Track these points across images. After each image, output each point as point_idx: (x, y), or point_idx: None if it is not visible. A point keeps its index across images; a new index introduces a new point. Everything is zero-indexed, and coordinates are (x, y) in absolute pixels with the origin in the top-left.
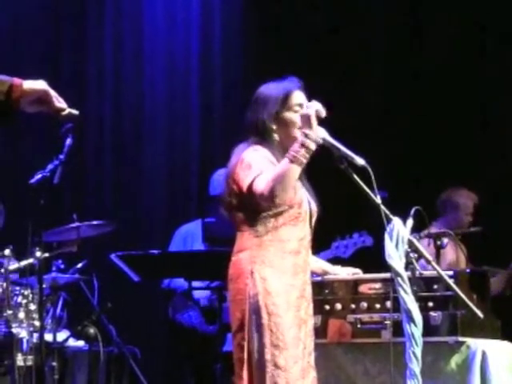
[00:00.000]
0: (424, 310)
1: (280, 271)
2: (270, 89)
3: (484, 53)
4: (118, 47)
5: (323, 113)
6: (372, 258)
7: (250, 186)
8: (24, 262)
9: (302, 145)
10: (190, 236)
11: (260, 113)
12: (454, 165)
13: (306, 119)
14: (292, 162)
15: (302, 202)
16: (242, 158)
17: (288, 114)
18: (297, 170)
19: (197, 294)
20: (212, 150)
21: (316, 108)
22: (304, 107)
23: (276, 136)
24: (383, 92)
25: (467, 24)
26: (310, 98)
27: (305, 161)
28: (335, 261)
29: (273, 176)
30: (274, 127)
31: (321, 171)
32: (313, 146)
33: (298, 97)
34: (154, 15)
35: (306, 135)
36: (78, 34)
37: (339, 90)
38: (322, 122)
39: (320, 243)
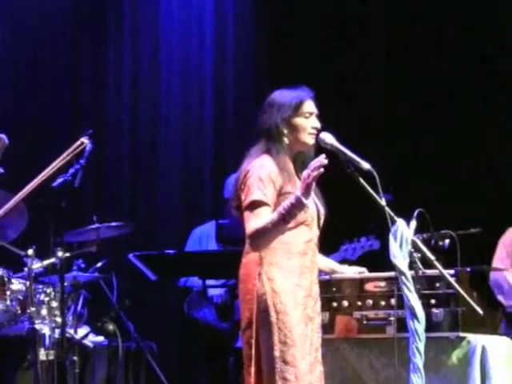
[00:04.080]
0: (427, 306)
1: (287, 272)
2: (284, 95)
3: (484, 54)
4: (135, 58)
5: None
6: (378, 259)
7: (247, 216)
8: (46, 262)
9: (293, 206)
10: (204, 237)
11: (273, 116)
12: (455, 166)
13: (306, 187)
14: (280, 218)
15: (308, 208)
16: (251, 171)
17: (299, 120)
18: (283, 226)
19: (210, 291)
20: (224, 155)
21: (316, 173)
22: (308, 171)
23: (286, 140)
24: (385, 96)
25: (467, 26)
26: (319, 107)
27: (291, 220)
28: (343, 263)
29: (262, 227)
30: (285, 131)
31: (329, 176)
32: (301, 210)
33: (310, 105)
34: (170, 28)
35: (300, 201)
36: (98, 44)
37: (342, 94)
38: (328, 128)
39: (329, 246)
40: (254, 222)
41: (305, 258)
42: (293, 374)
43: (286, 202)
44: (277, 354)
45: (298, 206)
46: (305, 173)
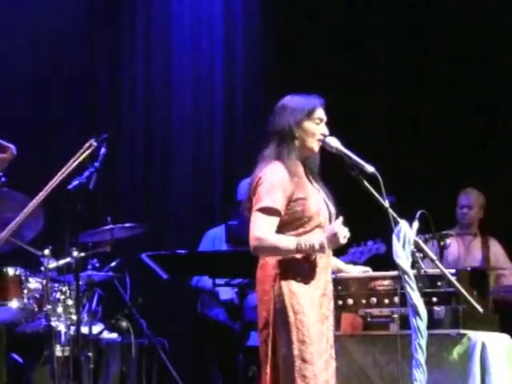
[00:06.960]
0: (428, 304)
1: (302, 273)
2: (298, 100)
3: (484, 55)
4: (148, 64)
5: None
6: (383, 262)
7: (257, 217)
8: (62, 261)
9: (311, 248)
10: (217, 239)
11: (287, 118)
12: (456, 168)
13: (333, 241)
14: (296, 250)
15: (321, 211)
16: (262, 178)
17: (310, 124)
18: (291, 254)
19: (226, 293)
20: (234, 159)
21: (344, 236)
22: (336, 226)
23: (297, 142)
24: (387, 99)
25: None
26: (328, 113)
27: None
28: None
29: (271, 243)
30: (297, 134)
31: (335, 180)
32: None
33: (321, 112)
34: (181, 37)
35: (321, 248)
36: (112, 53)
37: (347, 96)
38: (333, 131)
39: (338, 249)
40: (263, 230)
41: (319, 259)
42: (311, 372)
43: (310, 242)
44: (296, 352)
45: (318, 251)
46: (338, 230)
